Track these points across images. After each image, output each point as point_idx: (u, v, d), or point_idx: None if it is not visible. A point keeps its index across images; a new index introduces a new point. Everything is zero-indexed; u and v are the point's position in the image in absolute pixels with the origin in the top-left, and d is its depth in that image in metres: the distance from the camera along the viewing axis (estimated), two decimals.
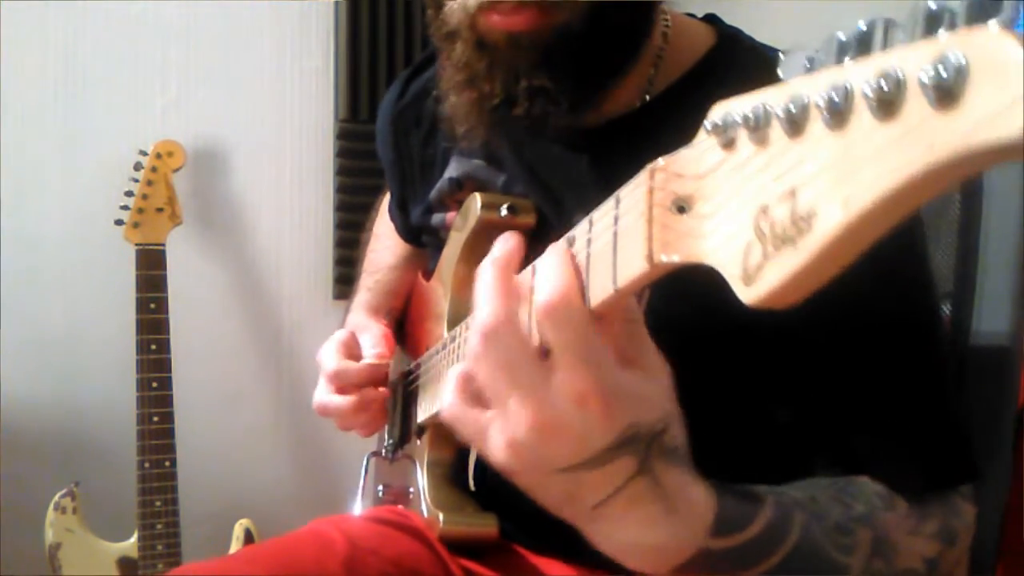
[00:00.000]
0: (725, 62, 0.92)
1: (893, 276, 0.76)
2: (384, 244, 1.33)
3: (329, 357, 1.12)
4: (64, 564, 1.94)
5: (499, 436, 0.58)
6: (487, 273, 0.59)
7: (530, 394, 0.55)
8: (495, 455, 0.59)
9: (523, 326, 0.57)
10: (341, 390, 1.11)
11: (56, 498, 1.96)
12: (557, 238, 0.94)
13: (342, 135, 2.27)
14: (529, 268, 0.60)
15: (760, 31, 0.97)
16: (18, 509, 2.05)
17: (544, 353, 0.55)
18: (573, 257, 0.57)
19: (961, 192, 1.04)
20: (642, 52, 0.91)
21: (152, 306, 1.96)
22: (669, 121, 0.90)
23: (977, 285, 1.04)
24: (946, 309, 1.04)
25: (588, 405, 0.54)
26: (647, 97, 0.93)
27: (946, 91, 0.30)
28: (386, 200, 1.35)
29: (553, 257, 0.56)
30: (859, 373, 0.81)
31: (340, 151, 2.27)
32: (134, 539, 1.97)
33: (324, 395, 1.12)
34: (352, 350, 1.15)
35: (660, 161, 0.49)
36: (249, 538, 2.06)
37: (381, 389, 1.12)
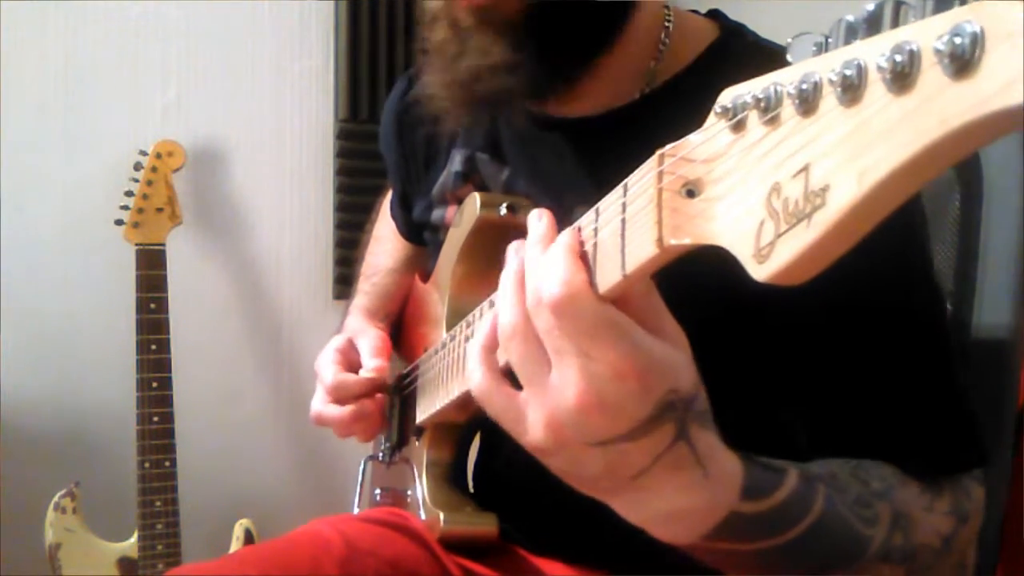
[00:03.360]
0: (727, 56, 0.93)
1: (896, 262, 0.77)
2: (383, 247, 1.33)
3: (327, 368, 1.12)
4: (64, 564, 1.94)
5: (537, 414, 0.58)
6: (510, 260, 0.59)
7: (574, 370, 0.55)
8: (531, 434, 0.59)
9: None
10: (339, 402, 1.11)
11: (56, 498, 1.96)
12: (558, 230, 0.94)
13: (342, 135, 2.27)
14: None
15: (762, 29, 0.97)
16: (18, 509, 2.05)
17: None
18: (580, 245, 0.57)
19: (961, 192, 1.04)
20: (617, 43, 0.91)
21: (152, 306, 1.96)
22: (668, 113, 0.90)
23: (977, 283, 1.04)
24: (947, 306, 1.04)
25: (627, 379, 0.54)
26: (647, 89, 0.94)
27: (962, 59, 0.30)
28: (387, 201, 1.35)
29: (557, 250, 0.57)
30: (865, 359, 0.81)
31: (340, 151, 2.28)
32: (134, 539, 1.97)
33: (320, 406, 1.12)
34: (350, 358, 1.14)
35: (668, 146, 0.50)
36: (249, 538, 2.06)
37: (379, 396, 1.12)
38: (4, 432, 2.06)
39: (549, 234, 0.59)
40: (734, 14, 0.99)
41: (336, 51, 2.27)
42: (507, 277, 0.60)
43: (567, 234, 0.58)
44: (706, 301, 0.78)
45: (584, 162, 0.95)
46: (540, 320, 0.56)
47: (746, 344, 0.85)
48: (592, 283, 0.55)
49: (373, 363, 1.11)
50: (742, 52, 0.93)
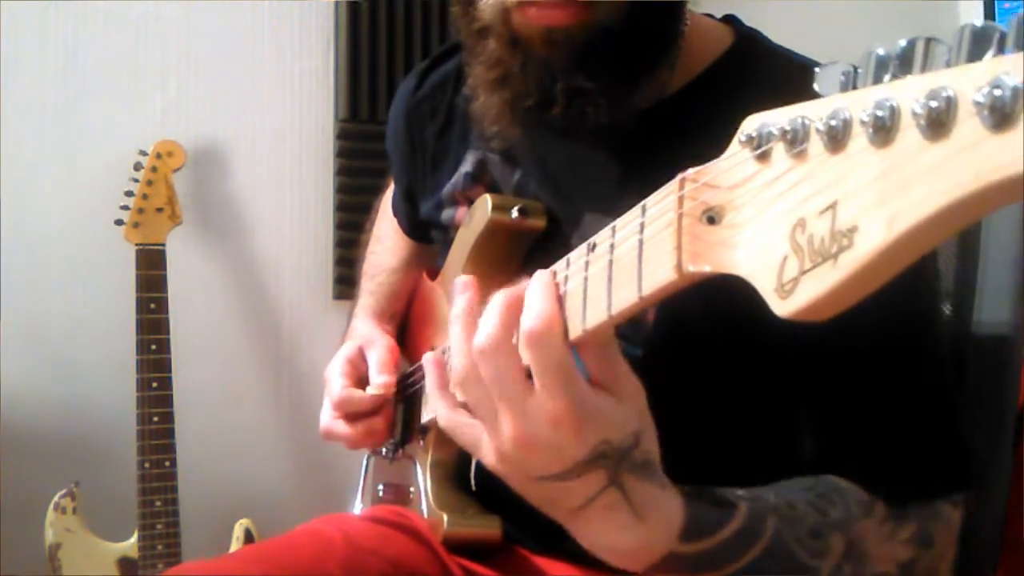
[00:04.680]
0: (742, 63, 0.92)
1: (896, 286, 0.77)
2: (384, 246, 1.32)
3: (335, 380, 1.12)
4: (64, 564, 1.94)
5: (489, 446, 0.65)
6: (495, 300, 0.64)
7: (514, 412, 0.61)
8: (487, 461, 0.66)
9: (513, 349, 0.62)
10: (346, 416, 1.11)
11: (56, 498, 1.95)
12: (567, 238, 0.95)
13: (342, 135, 2.27)
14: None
15: (773, 34, 0.97)
16: (18, 509, 2.05)
17: (529, 373, 0.61)
18: (556, 286, 0.62)
19: None
20: (672, 53, 0.90)
21: (152, 306, 1.96)
22: (685, 118, 0.90)
23: (978, 283, 1.04)
24: (947, 306, 1.04)
25: (562, 425, 0.60)
26: (662, 95, 0.92)
27: (1001, 112, 0.30)
28: (385, 201, 1.35)
29: (537, 285, 0.62)
30: (857, 381, 0.82)
31: (340, 151, 2.27)
32: (134, 539, 1.96)
33: (330, 421, 1.12)
34: (359, 369, 1.14)
35: (690, 171, 0.50)
36: (249, 538, 2.06)
37: (386, 411, 1.12)
38: (4, 432, 2.05)
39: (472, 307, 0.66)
40: (746, 16, 0.99)
41: (336, 51, 2.27)
42: (455, 322, 0.66)
43: (545, 273, 0.63)
44: (700, 320, 0.79)
45: (598, 166, 0.95)
46: (486, 367, 0.62)
47: (735, 360, 0.86)
48: (564, 325, 0.60)
49: (380, 379, 1.11)
50: (757, 59, 0.92)
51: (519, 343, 0.61)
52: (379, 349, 1.14)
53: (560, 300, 0.61)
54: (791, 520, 0.72)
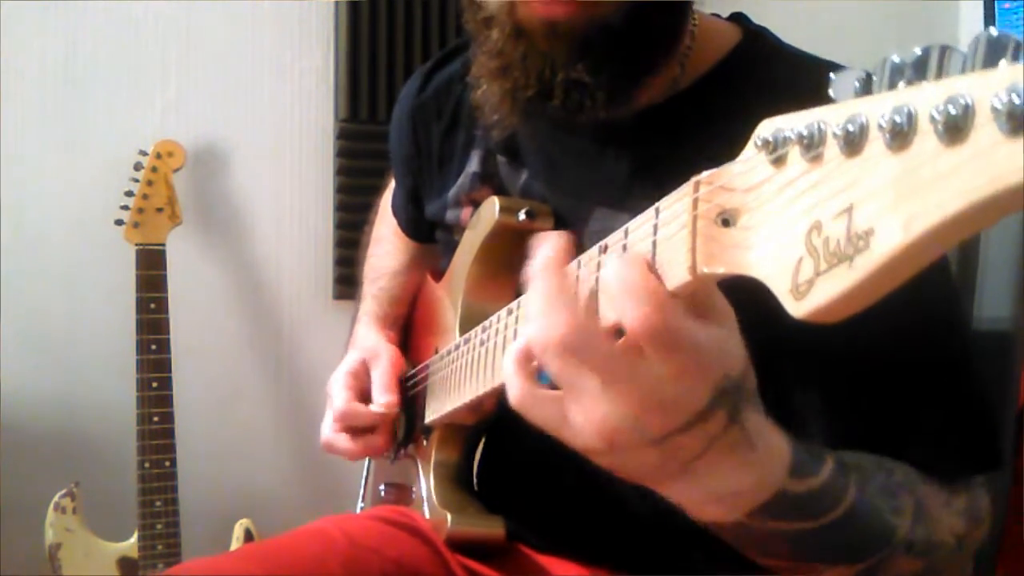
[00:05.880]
0: (750, 59, 0.93)
1: (923, 284, 0.77)
2: (385, 249, 1.32)
3: (338, 393, 1.12)
4: (64, 564, 1.94)
5: (586, 419, 0.57)
6: (543, 277, 0.57)
7: (626, 380, 0.54)
8: (579, 438, 0.58)
9: (593, 318, 0.56)
10: (348, 430, 1.11)
11: (56, 498, 1.95)
12: (577, 238, 0.95)
13: (342, 135, 2.27)
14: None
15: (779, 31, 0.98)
16: (18, 509, 2.04)
17: (617, 332, 0.54)
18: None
19: None
20: (675, 51, 0.91)
21: (152, 306, 1.96)
22: (694, 117, 0.91)
23: (978, 278, 1.04)
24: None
25: (685, 377, 0.53)
26: (671, 93, 0.93)
27: (1019, 119, 0.30)
28: (384, 203, 1.35)
29: (634, 261, 0.54)
30: (887, 373, 0.81)
31: (340, 151, 2.27)
32: (134, 539, 1.97)
33: (331, 435, 1.13)
34: (361, 381, 1.14)
35: (704, 174, 0.50)
36: (249, 538, 2.06)
37: (387, 427, 1.12)
38: (4, 432, 2.05)
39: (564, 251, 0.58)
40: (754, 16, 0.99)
41: (336, 51, 2.27)
42: (546, 289, 0.58)
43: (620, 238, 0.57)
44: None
45: (609, 165, 0.95)
46: (575, 337, 0.54)
47: (769, 349, 0.85)
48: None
49: (384, 399, 1.11)
50: (765, 55, 0.93)
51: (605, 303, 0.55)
52: (383, 364, 1.14)
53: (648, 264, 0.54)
54: (865, 476, 0.70)
